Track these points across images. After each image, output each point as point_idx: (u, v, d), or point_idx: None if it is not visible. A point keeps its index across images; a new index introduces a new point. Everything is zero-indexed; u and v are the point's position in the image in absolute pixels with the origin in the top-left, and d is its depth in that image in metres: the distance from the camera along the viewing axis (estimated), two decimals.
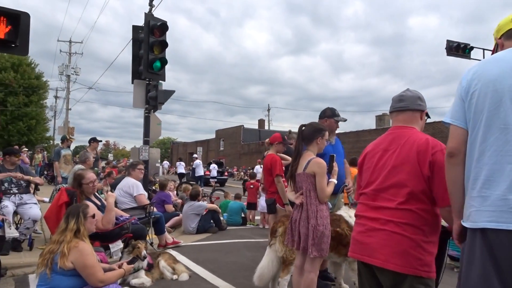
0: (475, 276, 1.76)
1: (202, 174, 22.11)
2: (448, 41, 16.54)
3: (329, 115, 4.94)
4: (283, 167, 5.55)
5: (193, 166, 21.97)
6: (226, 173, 29.10)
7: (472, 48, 16.90)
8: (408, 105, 2.54)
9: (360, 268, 2.53)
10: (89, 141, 10.19)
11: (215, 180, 24.66)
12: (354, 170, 8.10)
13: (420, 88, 2.65)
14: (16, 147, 14.50)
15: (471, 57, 16.95)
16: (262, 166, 20.68)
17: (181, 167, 25.15)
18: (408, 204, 2.26)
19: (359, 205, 2.59)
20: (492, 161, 1.77)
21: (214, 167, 25.23)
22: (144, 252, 4.70)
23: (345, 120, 5.09)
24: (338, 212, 4.65)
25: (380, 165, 2.47)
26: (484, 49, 17.20)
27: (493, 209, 1.74)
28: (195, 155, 25.38)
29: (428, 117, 2.67)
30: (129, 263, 4.06)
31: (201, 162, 22.71)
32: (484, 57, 16.90)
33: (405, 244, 2.22)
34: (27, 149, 21.28)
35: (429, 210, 2.27)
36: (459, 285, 1.90)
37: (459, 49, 16.64)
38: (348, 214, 4.51)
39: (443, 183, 2.13)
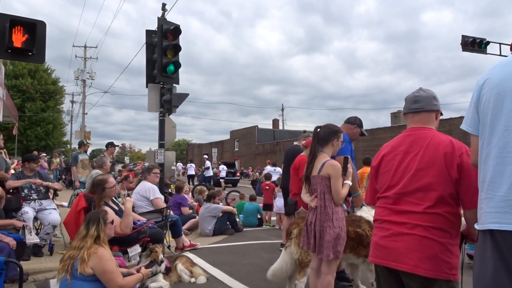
0: (487, 277, 1.76)
1: (211, 174, 22.77)
2: (463, 36, 16.31)
3: (359, 124, 5.15)
4: None
5: (205, 167, 22.52)
6: (238, 174, 29.29)
7: (488, 42, 16.63)
8: (423, 106, 2.50)
9: (380, 272, 2.48)
10: (106, 146, 10.36)
11: (224, 180, 24.99)
12: (367, 169, 8.08)
13: (435, 84, 2.61)
14: (35, 152, 14.78)
15: (487, 52, 16.69)
16: (271, 166, 20.89)
17: (191, 169, 25.57)
18: (436, 208, 2.23)
19: (379, 209, 2.53)
20: (494, 162, 1.79)
21: (223, 168, 25.70)
22: (161, 257, 4.74)
23: (365, 135, 5.34)
24: (359, 213, 4.63)
25: (402, 168, 2.41)
26: (500, 44, 16.91)
27: (497, 210, 1.75)
28: (205, 156, 25.87)
29: (441, 114, 2.63)
30: (146, 267, 4.11)
31: (210, 164, 23.48)
32: (500, 51, 16.63)
33: (435, 249, 2.19)
34: (45, 154, 21.64)
35: (455, 213, 2.25)
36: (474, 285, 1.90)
37: (474, 44, 16.41)
38: (370, 214, 4.48)
39: (472, 185, 2.12)
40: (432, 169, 2.28)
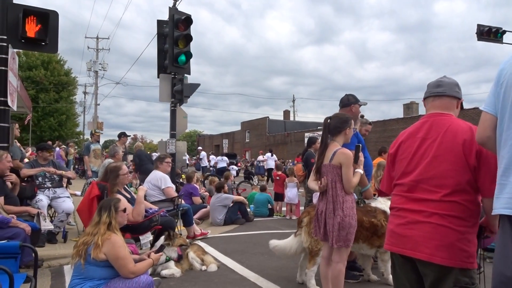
0: (509, 261, 1.75)
1: (206, 165, 24.01)
2: (478, 25, 16.01)
3: (354, 101, 4.85)
4: None
5: (200, 157, 24.15)
6: (239, 164, 29.91)
7: (504, 32, 16.30)
8: (446, 90, 2.45)
9: (395, 260, 2.47)
10: (119, 136, 10.49)
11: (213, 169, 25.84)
12: (378, 159, 8.05)
13: (448, 75, 2.53)
14: (50, 142, 14.99)
15: (504, 41, 16.38)
16: (264, 156, 23.22)
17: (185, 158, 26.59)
18: (454, 196, 2.19)
19: (395, 197, 2.50)
20: None
21: (212, 158, 26.93)
22: (188, 241, 4.86)
23: (366, 104, 5.05)
24: (373, 204, 4.62)
25: (419, 155, 2.38)
26: None
27: (510, 196, 1.74)
28: (199, 148, 27.07)
29: (462, 107, 2.55)
30: (156, 252, 4.17)
31: (205, 154, 25.01)
32: None
33: (451, 237, 2.16)
34: (64, 146, 21.78)
35: (473, 200, 2.21)
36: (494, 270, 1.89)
37: (490, 34, 16.09)
38: (386, 205, 4.49)
39: (490, 173, 2.09)
40: (450, 155, 2.23)
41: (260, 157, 24.83)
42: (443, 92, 2.45)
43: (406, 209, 2.35)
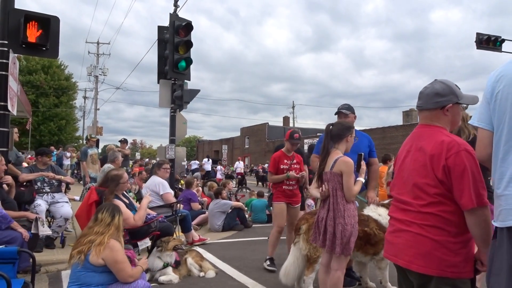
0: (502, 274, 1.76)
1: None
2: (478, 34, 16.07)
3: (337, 112, 4.90)
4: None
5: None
6: (223, 168, 30.82)
7: (503, 40, 16.36)
8: (422, 104, 2.43)
9: (395, 267, 2.50)
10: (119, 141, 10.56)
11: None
12: (385, 168, 8.04)
13: None
14: (52, 148, 14.98)
15: (503, 50, 16.44)
16: (242, 162, 25.20)
17: None
18: (429, 207, 2.21)
19: (391, 206, 2.58)
20: None
21: (194, 162, 28.93)
22: (183, 240, 4.85)
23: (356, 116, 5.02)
24: (365, 212, 4.61)
25: (402, 167, 2.46)
26: None
27: None
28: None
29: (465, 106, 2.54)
30: (151, 247, 4.22)
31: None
32: None
33: (428, 246, 2.18)
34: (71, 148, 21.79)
35: (453, 211, 2.18)
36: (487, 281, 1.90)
37: (489, 42, 16.15)
38: (376, 213, 4.48)
39: (458, 188, 2.10)
40: (422, 169, 2.26)
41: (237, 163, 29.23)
42: (420, 106, 2.46)
43: (395, 217, 2.45)
